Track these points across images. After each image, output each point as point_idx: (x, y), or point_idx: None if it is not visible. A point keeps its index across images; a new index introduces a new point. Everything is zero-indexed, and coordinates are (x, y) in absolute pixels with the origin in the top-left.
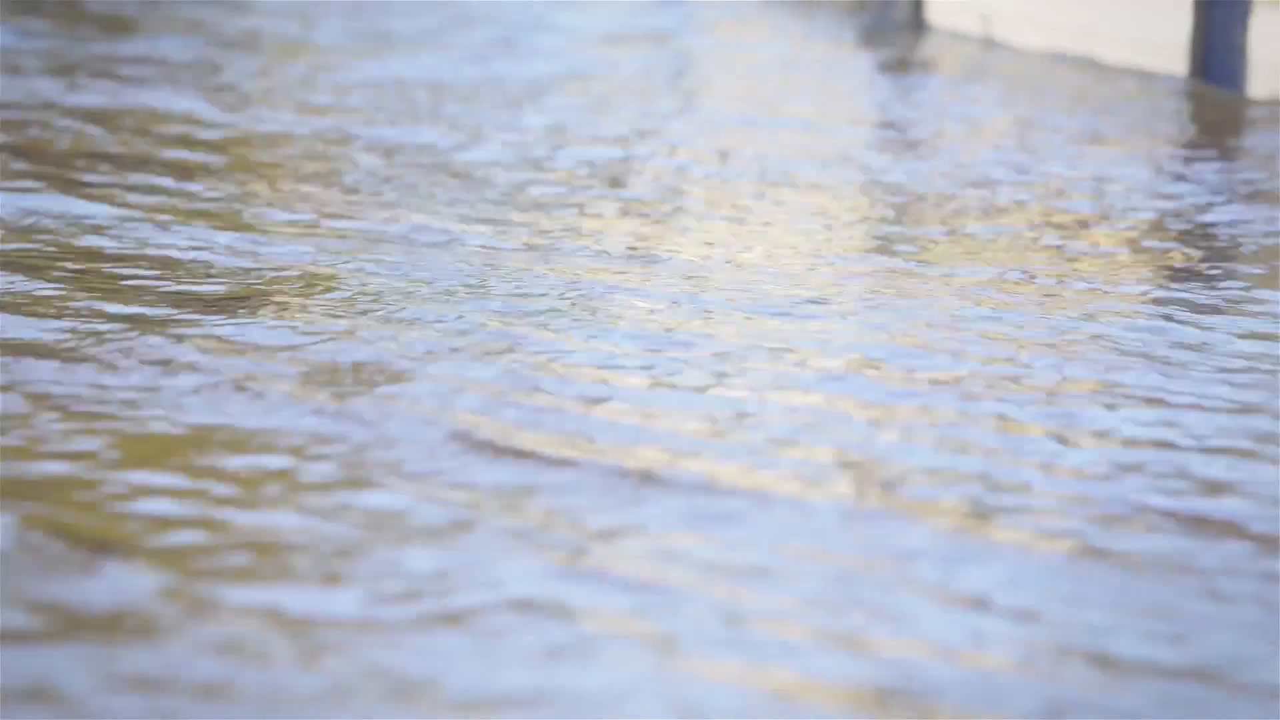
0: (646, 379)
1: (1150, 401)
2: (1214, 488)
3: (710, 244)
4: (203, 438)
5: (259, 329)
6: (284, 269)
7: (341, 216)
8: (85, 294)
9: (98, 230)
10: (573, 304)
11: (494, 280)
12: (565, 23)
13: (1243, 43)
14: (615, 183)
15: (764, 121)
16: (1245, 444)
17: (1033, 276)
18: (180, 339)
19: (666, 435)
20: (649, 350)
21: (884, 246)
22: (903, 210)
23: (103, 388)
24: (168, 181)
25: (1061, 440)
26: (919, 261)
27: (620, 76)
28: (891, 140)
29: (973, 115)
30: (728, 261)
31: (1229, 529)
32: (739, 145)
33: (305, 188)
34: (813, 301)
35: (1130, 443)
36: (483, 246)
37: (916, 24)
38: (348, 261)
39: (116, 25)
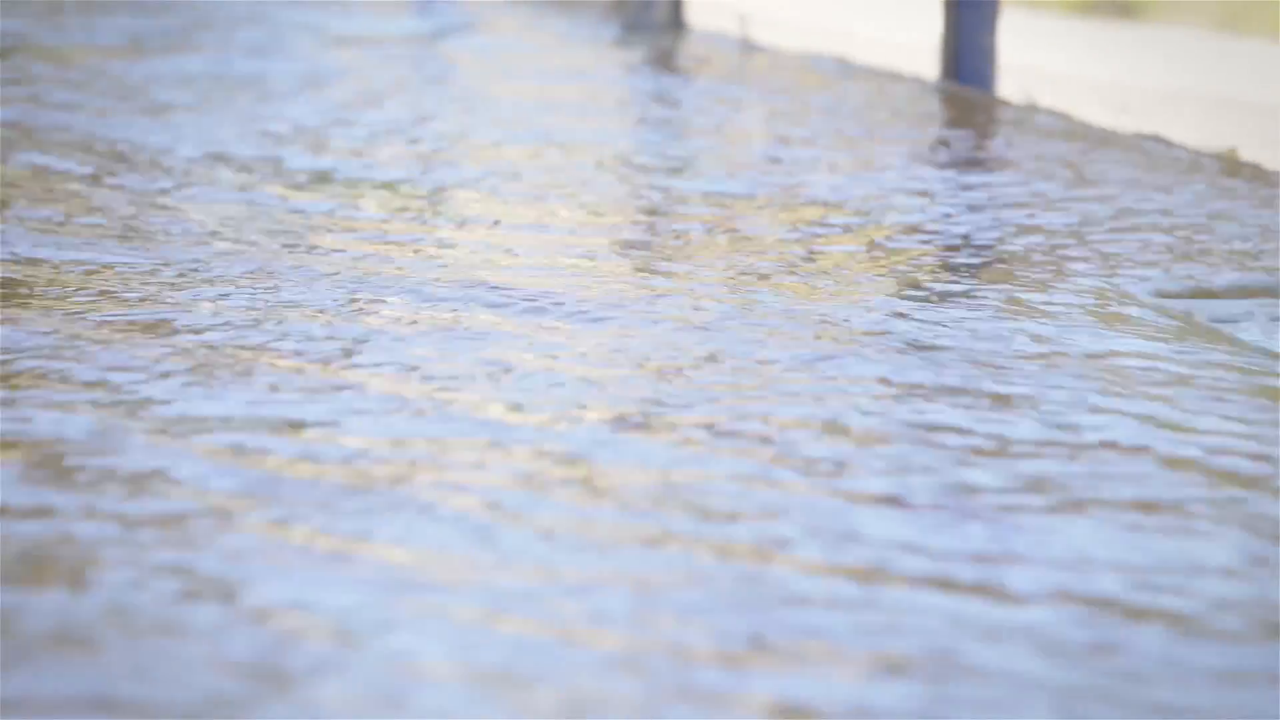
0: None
1: (874, 396)
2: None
3: (450, 243)
4: None
5: None
6: None
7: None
8: None
9: None
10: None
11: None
12: (319, 24)
13: (992, 45)
14: (357, 181)
15: (522, 120)
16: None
17: (771, 275)
18: None
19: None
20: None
21: (631, 245)
22: (653, 211)
23: None
24: None
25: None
26: (666, 260)
27: (371, 78)
28: (647, 141)
29: (728, 116)
30: (466, 260)
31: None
32: (492, 144)
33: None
34: (545, 296)
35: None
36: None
37: (676, 24)
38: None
39: None
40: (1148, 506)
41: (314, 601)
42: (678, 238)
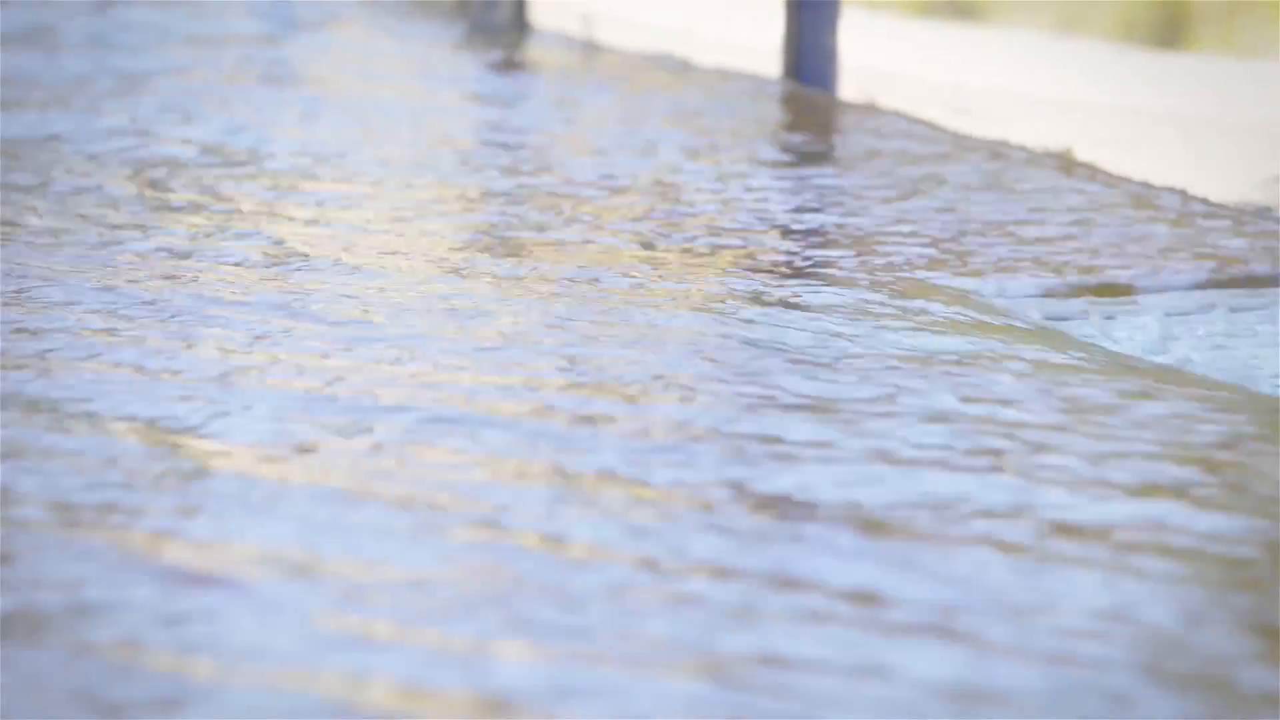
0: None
1: (689, 391)
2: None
3: (285, 244)
4: None
5: None
6: None
7: None
8: None
9: None
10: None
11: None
12: (157, 22)
13: (833, 45)
14: (199, 180)
15: (364, 121)
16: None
17: (602, 279)
18: None
19: None
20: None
21: (472, 245)
22: (498, 211)
23: None
24: None
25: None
26: (512, 261)
27: (210, 76)
28: (493, 141)
29: (570, 116)
30: (301, 265)
31: None
32: (336, 145)
33: None
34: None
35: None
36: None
37: (519, 25)
38: None
39: None
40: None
41: None
42: (522, 234)
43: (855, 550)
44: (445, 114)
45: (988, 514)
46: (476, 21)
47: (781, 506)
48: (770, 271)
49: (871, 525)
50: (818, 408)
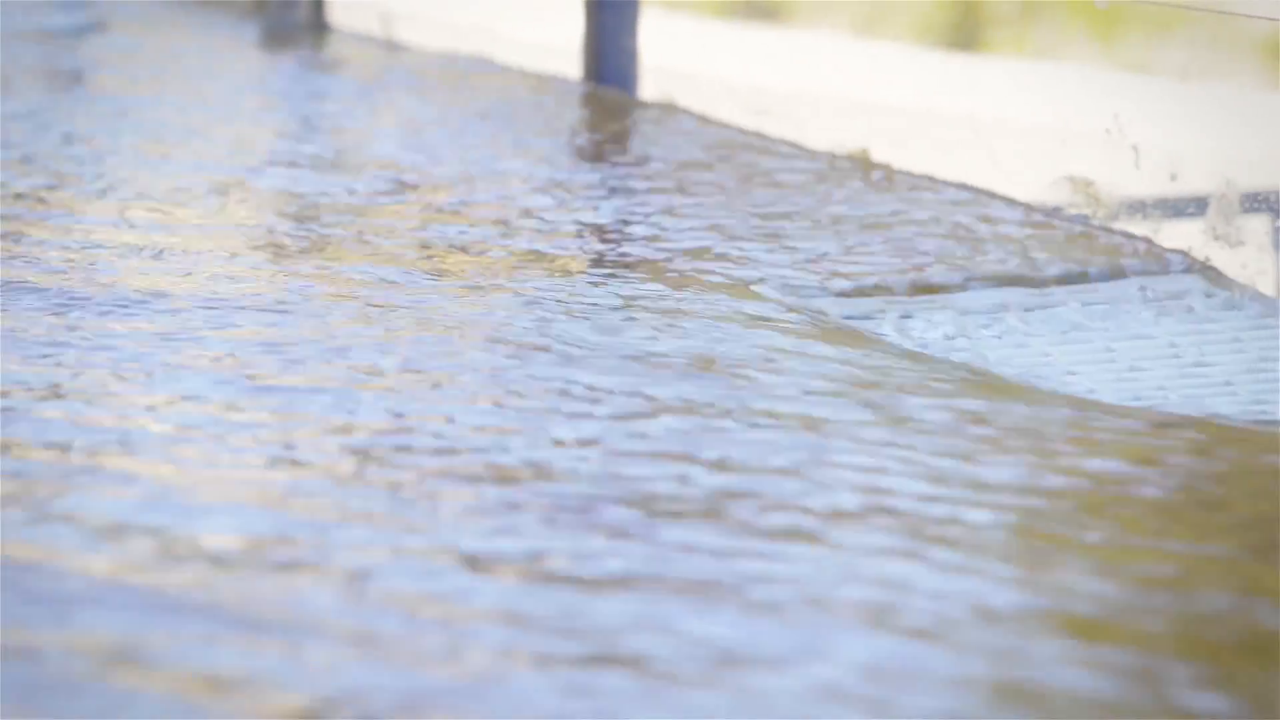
0: None
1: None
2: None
3: (91, 245)
4: None
5: None
6: None
7: None
8: None
9: None
10: None
11: None
12: None
13: (633, 46)
14: None
15: (164, 121)
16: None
17: (402, 282)
18: None
19: None
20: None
21: (269, 246)
22: (298, 212)
23: None
24: None
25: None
26: (315, 263)
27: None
28: (292, 142)
29: (371, 117)
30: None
31: None
32: (130, 146)
33: None
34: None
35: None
36: None
37: (318, 25)
38: None
39: None
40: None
41: None
42: (316, 236)
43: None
44: (240, 115)
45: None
46: (274, 21)
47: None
48: (566, 269)
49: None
50: (587, 401)
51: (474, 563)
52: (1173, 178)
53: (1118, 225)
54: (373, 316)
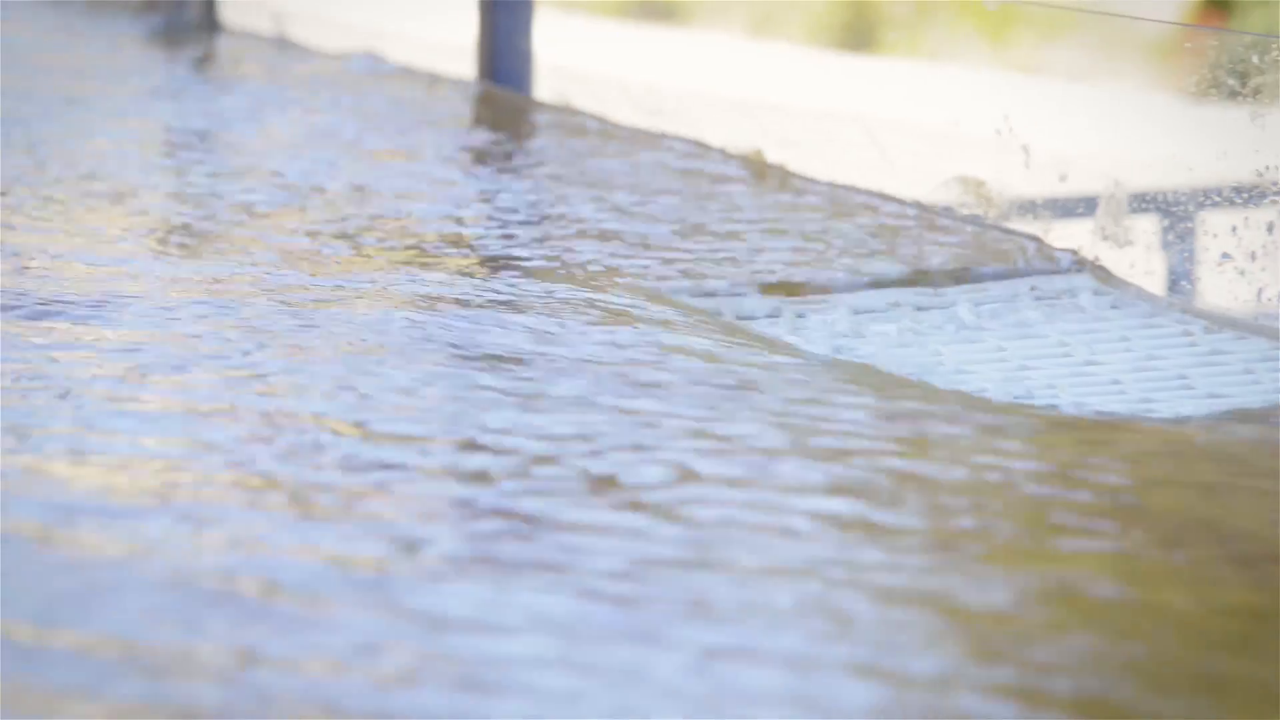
0: None
1: (344, 389)
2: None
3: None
4: None
5: None
6: None
7: None
8: None
9: None
10: None
11: None
12: None
13: (527, 46)
14: None
15: (55, 122)
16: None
17: (300, 285)
18: None
19: None
20: None
21: (160, 247)
22: (186, 212)
23: None
24: None
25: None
26: (193, 266)
27: None
28: (183, 144)
29: (263, 117)
30: None
31: None
32: (22, 148)
33: None
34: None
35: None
36: None
37: (210, 24)
38: None
39: None
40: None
41: None
42: (197, 240)
43: None
44: (129, 115)
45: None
46: (165, 20)
47: None
48: (461, 270)
49: None
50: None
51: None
52: (1062, 178)
53: (1009, 225)
54: (241, 318)
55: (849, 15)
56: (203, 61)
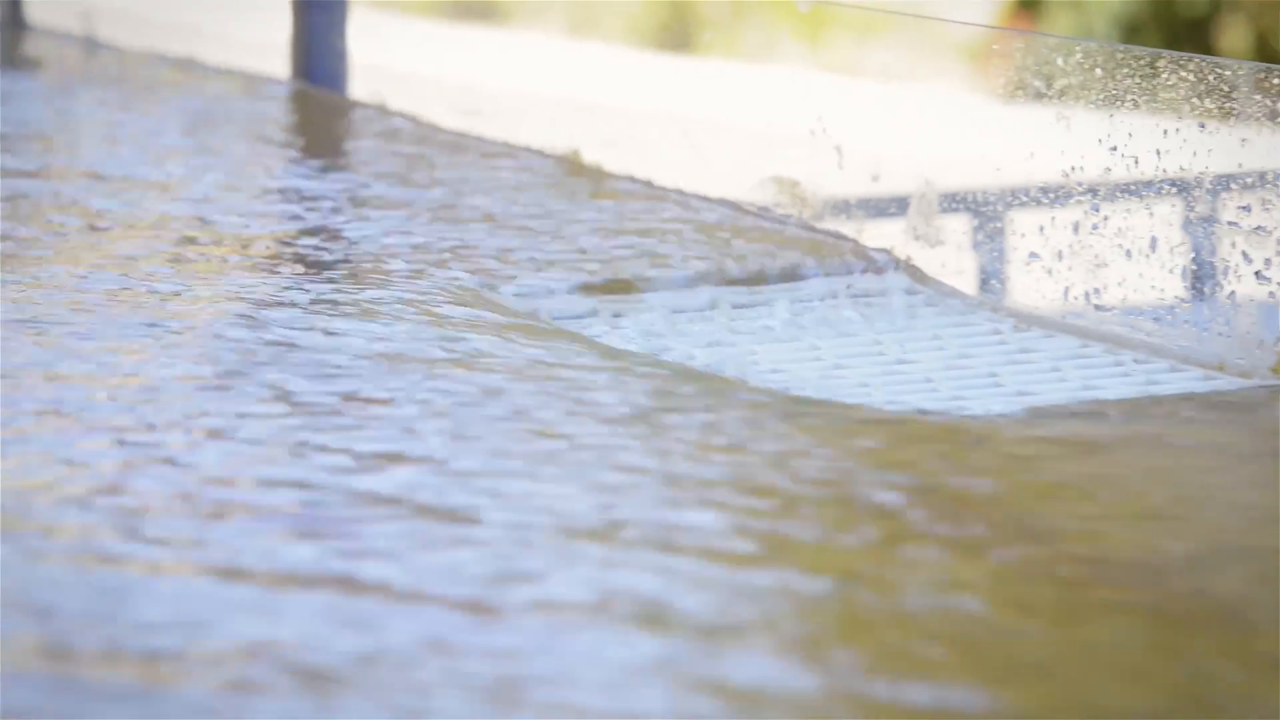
0: None
1: (186, 380)
2: None
3: None
4: None
5: None
6: None
7: None
8: None
9: None
10: None
11: None
12: None
13: (343, 45)
14: None
15: None
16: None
17: (135, 280)
18: None
19: None
20: None
21: None
22: (8, 219)
23: None
24: None
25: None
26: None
27: None
28: None
29: (70, 119)
30: None
31: None
32: None
33: None
34: None
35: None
36: None
37: (15, 23)
38: None
39: None
40: None
41: None
42: (33, 247)
43: None
44: None
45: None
46: None
47: None
48: (263, 270)
49: None
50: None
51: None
52: (875, 178)
53: (824, 224)
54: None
55: (667, 16)
56: (9, 62)
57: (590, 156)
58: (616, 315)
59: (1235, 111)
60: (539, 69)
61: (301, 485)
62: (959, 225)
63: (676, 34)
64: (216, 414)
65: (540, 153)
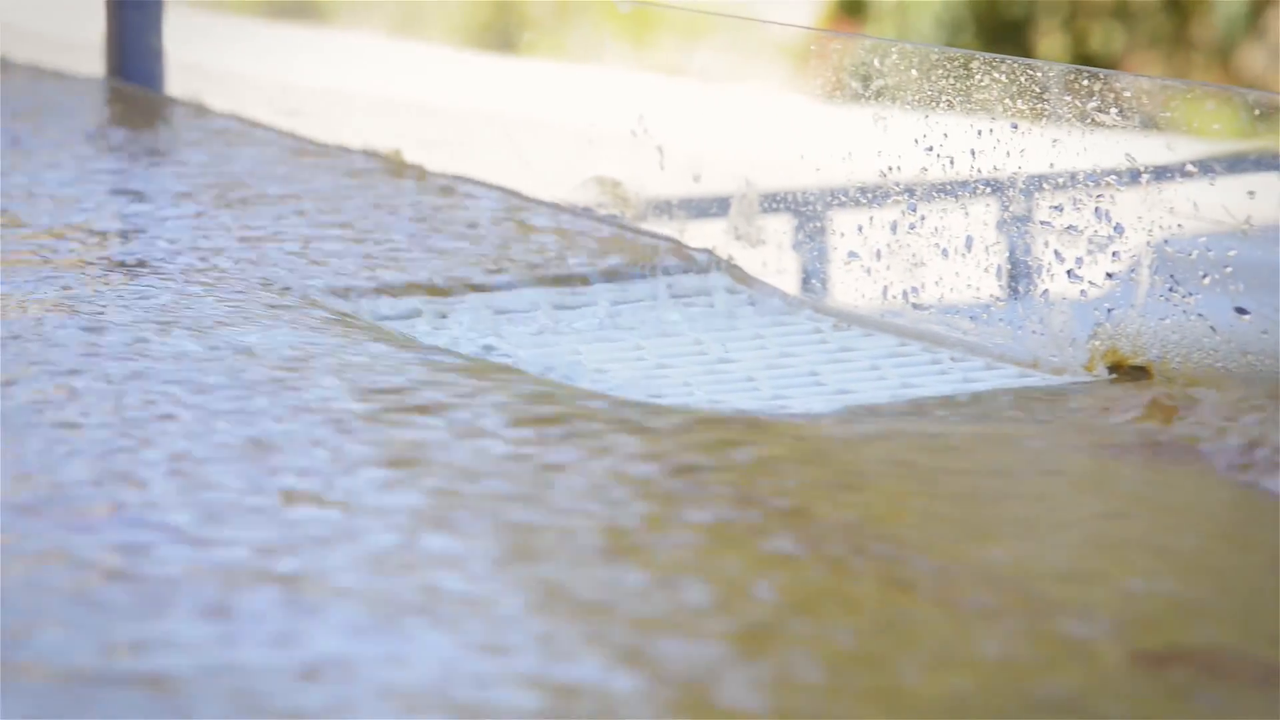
0: None
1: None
2: None
3: None
4: None
5: None
6: None
7: None
8: None
9: None
10: None
11: None
12: None
13: (159, 43)
14: None
15: None
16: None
17: None
18: None
19: None
20: None
21: None
22: None
23: None
24: None
25: None
26: None
27: None
28: None
29: None
30: None
31: None
32: None
33: None
34: None
35: None
36: None
37: None
38: None
39: None
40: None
41: None
42: None
43: None
44: None
45: None
46: None
47: None
48: (86, 271)
49: None
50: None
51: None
52: (696, 178)
53: (646, 225)
54: None
55: (490, 16)
56: None
57: (412, 156)
58: (441, 315)
59: (1047, 112)
60: (361, 68)
61: None
62: (780, 225)
63: (500, 34)
64: None
65: (362, 152)
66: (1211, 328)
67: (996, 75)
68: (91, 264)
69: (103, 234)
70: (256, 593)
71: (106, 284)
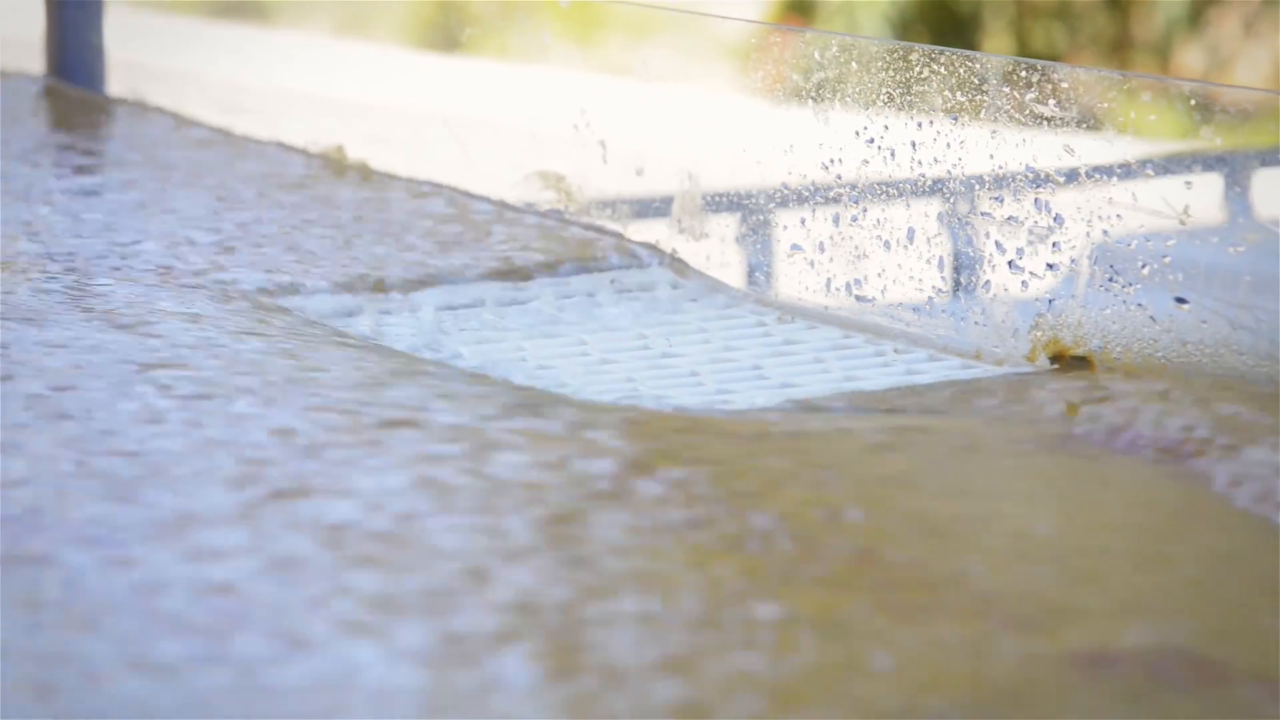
0: None
1: None
2: None
3: None
4: None
5: None
6: None
7: None
8: None
9: None
10: None
11: None
12: None
13: (99, 41)
14: None
15: None
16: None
17: None
18: None
19: None
20: None
21: None
22: None
23: None
24: None
25: None
26: None
27: None
28: None
29: None
30: None
31: None
32: None
33: None
34: None
35: None
36: None
37: None
38: None
39: None
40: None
41: None
42: None
43: None
44: None
45: None
46: None
47: None
48: (24, 273)
49: None
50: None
51: None
52: (639, 173)
53: (590, 220)
54: None
55: (435, 14)
56: None
57: (355, 154)
58: (383, 313)
59: (986, 104)
60: (304, 67)
61: None
62: (723, 219)
63: (443, 32)
64: None
65: (304, 150)
66: (1151, 318)
67: (936, 67)
68: (20, 265)
69: (27, 231)
70: None
71: (26, 283)
